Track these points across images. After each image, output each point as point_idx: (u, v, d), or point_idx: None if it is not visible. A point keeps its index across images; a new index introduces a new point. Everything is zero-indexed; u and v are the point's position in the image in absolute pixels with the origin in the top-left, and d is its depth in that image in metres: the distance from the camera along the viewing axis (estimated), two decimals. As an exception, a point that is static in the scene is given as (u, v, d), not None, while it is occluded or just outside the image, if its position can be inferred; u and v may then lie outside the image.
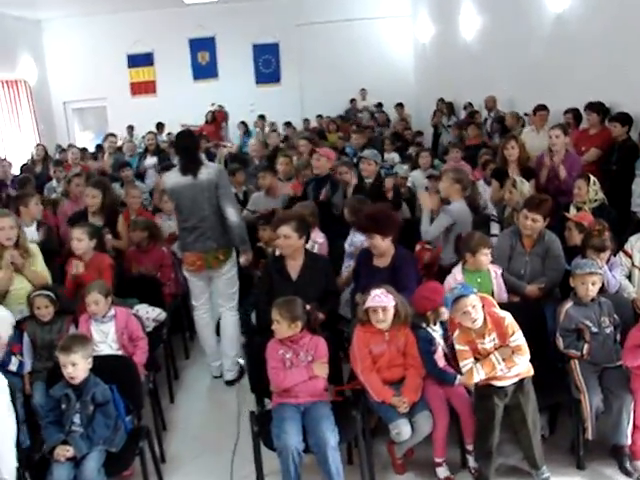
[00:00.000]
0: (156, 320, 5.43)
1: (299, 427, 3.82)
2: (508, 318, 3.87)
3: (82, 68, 16.66)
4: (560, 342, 4.24)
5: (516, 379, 3.88)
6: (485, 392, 3.91)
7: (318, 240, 5.69)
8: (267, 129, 14.93)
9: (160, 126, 15.40)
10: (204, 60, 17.51)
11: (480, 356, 3.86)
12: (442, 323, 4.26)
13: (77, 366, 3.72)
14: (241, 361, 5.73)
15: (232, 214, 5.29)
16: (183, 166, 5.33)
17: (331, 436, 3.72)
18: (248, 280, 6.24)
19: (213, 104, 15.30)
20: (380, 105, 16.60)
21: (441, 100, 14.15)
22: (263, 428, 3.93)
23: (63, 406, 3.74)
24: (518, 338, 3.85)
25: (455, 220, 5.48)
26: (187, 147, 5.42)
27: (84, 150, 12.07)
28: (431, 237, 5.51)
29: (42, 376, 4.32)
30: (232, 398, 5.30)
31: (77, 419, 3.74)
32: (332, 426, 3.79)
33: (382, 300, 4.00)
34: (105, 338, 4.59)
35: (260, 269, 5.60)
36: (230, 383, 5.62)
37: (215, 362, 5.78)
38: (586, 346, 4.17)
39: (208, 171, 5.27)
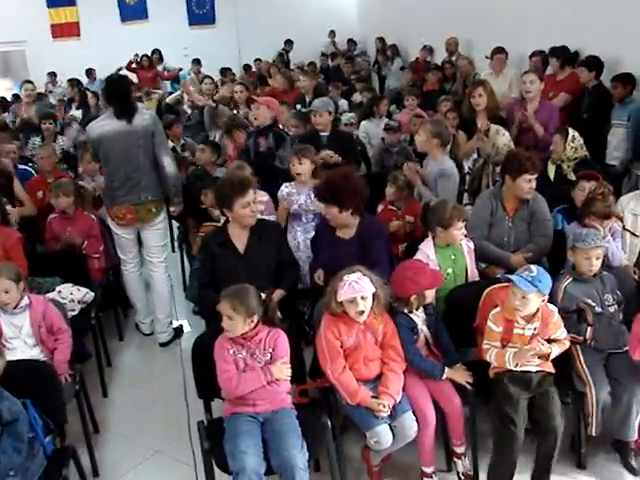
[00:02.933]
0: (82, 302, 4.67)
1: (258, 443, 3.13)
2: (556, 315, 3.44)
3: (-4, 7, 15.12)
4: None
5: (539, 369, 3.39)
6: (503, 377, 3.39)
7: (262, 199, 4.96)
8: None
9: (90, 72, 14.18)
10: (132, 0, 16.22)
11: (506, 341, 3.39)
12: (425, 307, 3.61)
13: None
14: (175, 323, 5.56)
15: (169, 164, 5.06)
16: (117, 111, 4.88)
17: (299, 455, 3.05)
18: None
19: (137, 55, 14.18)
20: (354, 43, 15.54)
21: (380, 40, 13.39)
22: (215, 443, 3.23)
23: (-42, 430, 2.96)
24: (563, 332, 3.47)
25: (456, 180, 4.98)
26: (119, 92, 4.99)
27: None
28: None
29: None
30: (176, 387, 4.62)
31: (-23, 445, 2.97)
32: (299, 441, 3.12)
33: (361, 287, 3.28)
34: (19, 333, 3.80)
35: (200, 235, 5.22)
36: (164, 345, 5.36)
37: (146, 319, 5.53)
38: (589, 329, 3.59)
39: (143, 117, 4.96)
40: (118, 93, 4.97)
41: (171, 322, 5.42)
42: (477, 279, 4.11)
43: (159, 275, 5.29)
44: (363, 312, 3.32)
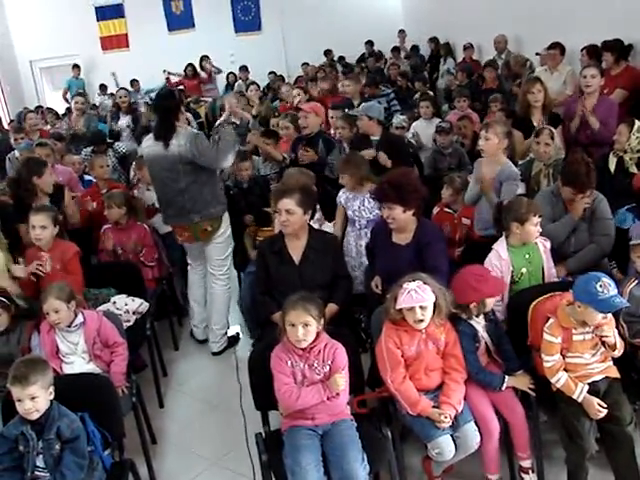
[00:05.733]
0: (137, 312, 4.67)
1: (318, 457, 3.06)
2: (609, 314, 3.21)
3: (48, 23, 15.36)
4: (625, 330, 3.47)
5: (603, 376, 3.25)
6: None
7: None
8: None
9: (133, 83, 14.42)
10: (178, 9, 16.33)
11: (566, 350, 3.23)
12: (485, 313, 3.49)
13: (37, 399, 2.93)
14: (230, 332, 5.45)
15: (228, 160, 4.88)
16: (156, 131, 4.80)
17: (360, 469, 2.98)
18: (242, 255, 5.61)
19: (164, 71, 14.58)
20: (416, 49, 14.68)
21: (432, 40, 13.17)
22: (274, 456, 3.18)
23: (21, 448, 2.95)
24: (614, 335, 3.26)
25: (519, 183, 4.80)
26: (162, 109, 4.88)
27: (50, 111, 11.10)
28: None
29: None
30: (232, 396, 4.54)
31: (41, 462, 2.96)
32: (359, 454, 3.04)
33: (420, 297, 3.19)
34: (75, 349, 3.80)
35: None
36: (216, 354, 5.29)
37: (200, 324, 5.47)
38: (657, 334, 3.43)
39: (179, 143, 4.67)
40: (161, 110, 4.90)
41: (225, 333, 5.35)
42: (555, 279, 3.95)
43: (218, 287, 5.21)
44: (422, 321, 3.24)
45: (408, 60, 13.31)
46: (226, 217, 5.07)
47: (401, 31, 14.96)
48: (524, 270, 3.88)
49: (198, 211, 4.84)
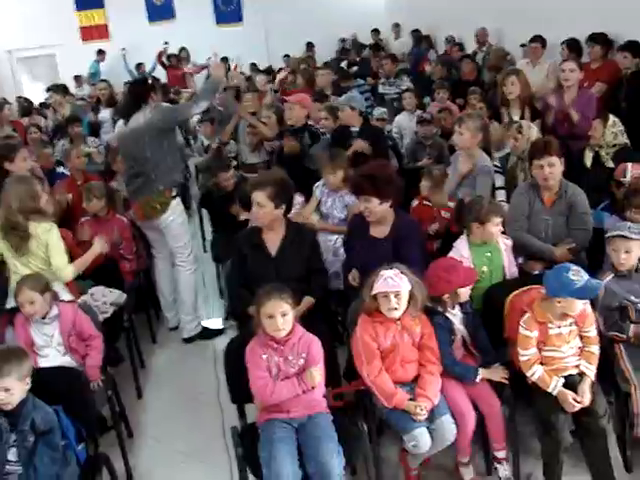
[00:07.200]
0: (115, 304, 4.64)
1: (293, 450, 3.05)
2: (588, 308, 3.26)
3: (26, 13, 15.15)
4: (601, 323, 3.49)
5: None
6: None
7: (297, 200, 4.92)
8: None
9: (140, 66, 14.86)
10: (159, 0, 16.24)
11: (543, 344, 3.24)
12: (461, 305, 3.50)
13: (11, 391, 2.90)
14: (203, 323, 5.54)
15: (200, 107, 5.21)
16: (123, 111, 5.23)
17: (335, 462, 2.97)
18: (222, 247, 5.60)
19: (167, 43, 14.85)
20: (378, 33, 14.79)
21: (414, 32, 13.16)
22: (250, 449, 3.17)
23: (-6, 441, 2.93)
24: (592, 329, 3.30)
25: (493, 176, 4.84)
26: (135, 93, 5.19)
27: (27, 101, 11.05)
28: None
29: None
30: (210, 389, 4.57)
31: (13, 455, 2.92)
32: (335, 447, 3.04)
33: (395, 284, 3.19)
34: (50, 342, 3.75)
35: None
36: (187, 341, 5.38)
37: (169, 312, 5.59)
38: (632, 327, 3.44)
39: (145, 115, 4.97)
40: (131, 94, 5.23)
41: (197, 317, 5.44)
42: (516, 276, 3.96)
43: (179, 275, 5.32)
44: (396, 309, 3.23)
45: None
46: (177, 204, 5.15)
47: (396, 25, 14.87)
48: (485, 269, 3.89)
49: (161, 178, 5.00)
